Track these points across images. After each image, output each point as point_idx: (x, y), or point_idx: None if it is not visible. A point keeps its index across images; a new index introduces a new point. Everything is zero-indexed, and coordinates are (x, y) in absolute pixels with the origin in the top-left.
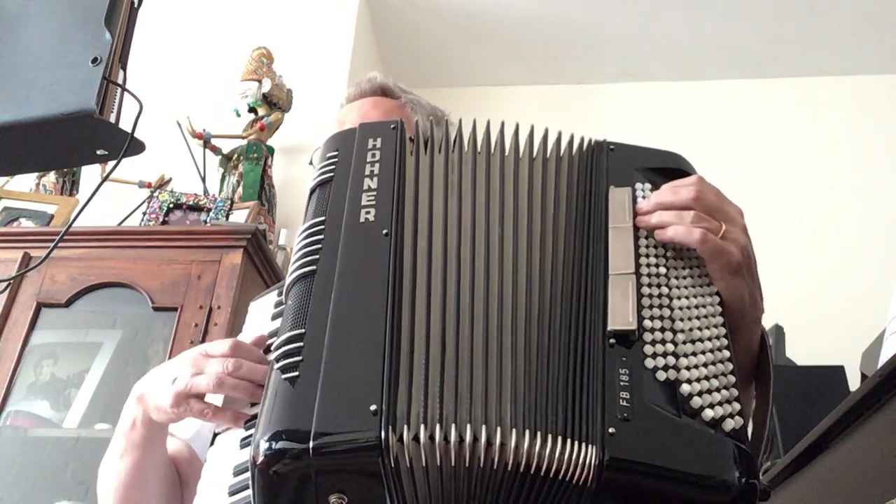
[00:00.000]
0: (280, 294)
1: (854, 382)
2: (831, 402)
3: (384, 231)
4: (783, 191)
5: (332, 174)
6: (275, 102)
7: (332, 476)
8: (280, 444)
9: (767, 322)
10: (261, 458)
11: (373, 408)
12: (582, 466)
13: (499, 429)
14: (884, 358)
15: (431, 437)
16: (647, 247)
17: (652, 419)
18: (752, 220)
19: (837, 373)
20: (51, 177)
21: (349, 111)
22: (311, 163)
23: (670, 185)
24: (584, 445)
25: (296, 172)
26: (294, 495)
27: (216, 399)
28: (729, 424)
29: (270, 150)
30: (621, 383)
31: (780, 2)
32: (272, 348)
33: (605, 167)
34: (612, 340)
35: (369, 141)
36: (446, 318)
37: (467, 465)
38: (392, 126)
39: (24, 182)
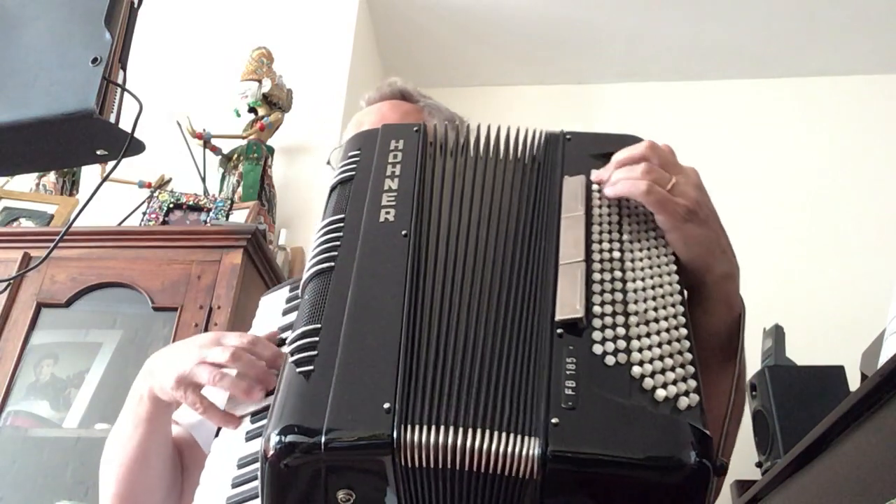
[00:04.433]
0: (292, 290)
1: (854, 382)
2: (831, 402)
3: (403, 232)
4: (783, 190)
5: (353, 173)
6: (275, 102)
7: (341, 472)
8: (291, 438)
9: (767, 322)
10: (272, 451)
11: (386, 406)
12: (525, 460)
13: (470, 430)
14: (884, 358)
15: (435, 439)
16: (600, 233)
17: (598, 406)
18: (752, 219)
19: (837, 373)
20: (51, 177)
21: (368, 113)
22: (328, 162)
23: (623, 150)
24: (526, 438)
25: (296, 172)
26: (303, 489)
27: (219, 395)
28: (683, 402)
29: (270, 150)
30: (567, 372)
31: (780, 2)
32: (287, 342)
33: (560, 158)
34: (559, 331)
35: (391, 142)
36: (449, 321)
37: (457, 467)
38: (415, 129)
39: (24, 182)
